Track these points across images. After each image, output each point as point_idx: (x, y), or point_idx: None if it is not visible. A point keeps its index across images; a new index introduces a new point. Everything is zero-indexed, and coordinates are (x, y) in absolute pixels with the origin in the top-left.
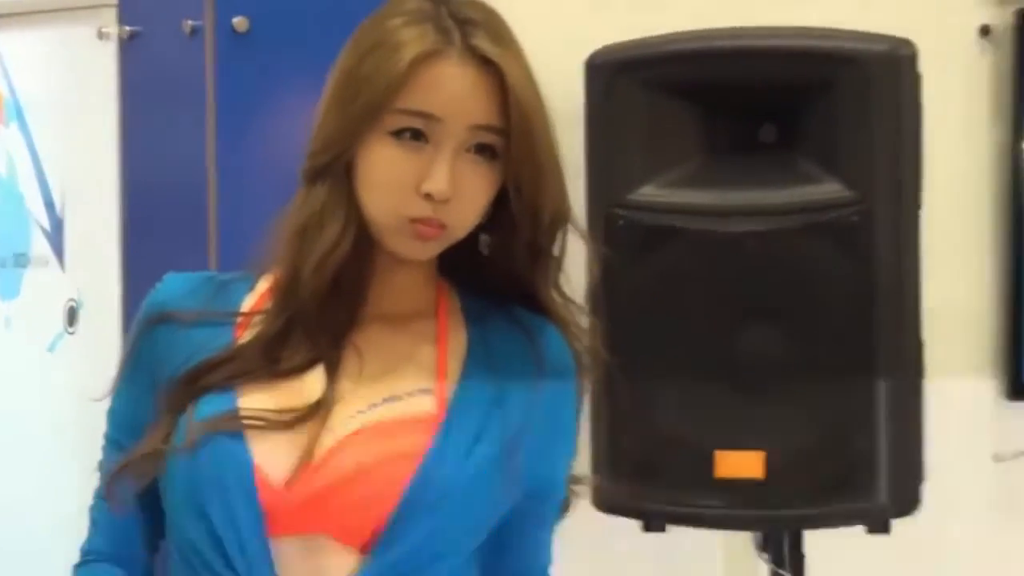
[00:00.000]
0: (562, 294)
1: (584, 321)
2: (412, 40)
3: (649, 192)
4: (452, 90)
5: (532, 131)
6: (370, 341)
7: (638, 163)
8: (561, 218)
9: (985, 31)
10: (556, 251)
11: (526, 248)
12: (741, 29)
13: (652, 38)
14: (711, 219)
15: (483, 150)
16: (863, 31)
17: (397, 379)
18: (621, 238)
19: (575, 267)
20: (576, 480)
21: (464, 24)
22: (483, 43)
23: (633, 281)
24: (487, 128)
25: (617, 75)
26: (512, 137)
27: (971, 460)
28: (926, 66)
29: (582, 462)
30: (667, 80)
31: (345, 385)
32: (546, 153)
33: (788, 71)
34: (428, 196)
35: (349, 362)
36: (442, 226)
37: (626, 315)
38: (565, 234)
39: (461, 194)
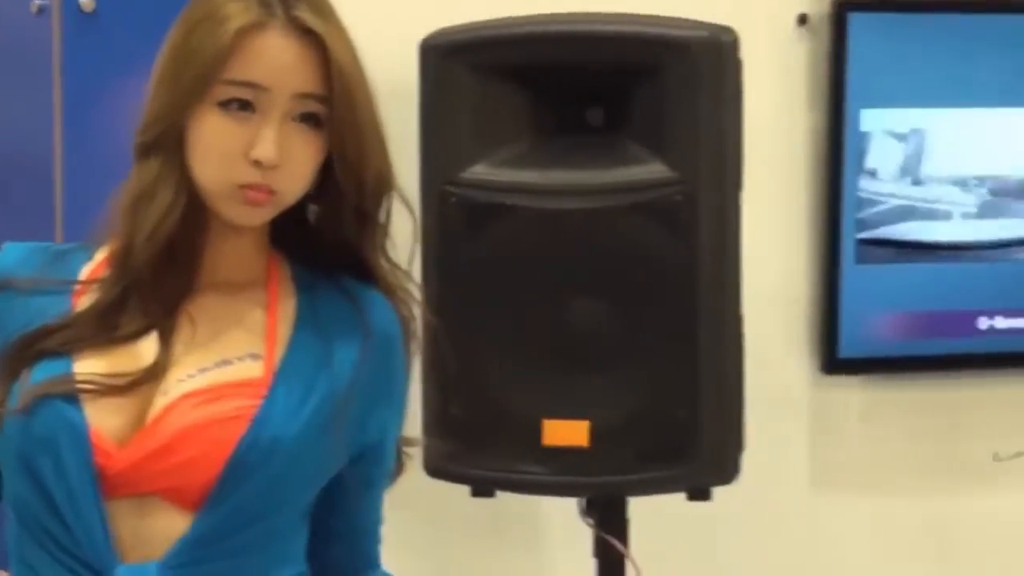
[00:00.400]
0: (389, 259)
1: (411, 286)
2: (236, 13)
3: (480, 171)
4: (276, 60)
5: (354, 98)
6: (203, 308)
7: (470, 142)
8: (384, 183)
9: (803, 20)
10: (382, 217)
11: (353, 214)
12: (570, 15)
13: (484, 22)
14: (540, 197)
15: (308, 119)
16: (687, 18)
17: (228, 345)
18: (454, 214)
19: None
20: (407, 442)
21: None
22: (305, 15)
23: (465, 255)
24: (311, 96)
25: (449, 57)
26: (335, 104)
27: (789, 431)
28: (747, 53)
29: (414, 426)
30: (498, 63)
31: (178, 350)
32: (368, 119)
33: (615, 56)
34: (257, 163)
35: (182, 329)
36: (271, 192)
37: (458, 288)
38: (390, 201)
39: (289, 160)
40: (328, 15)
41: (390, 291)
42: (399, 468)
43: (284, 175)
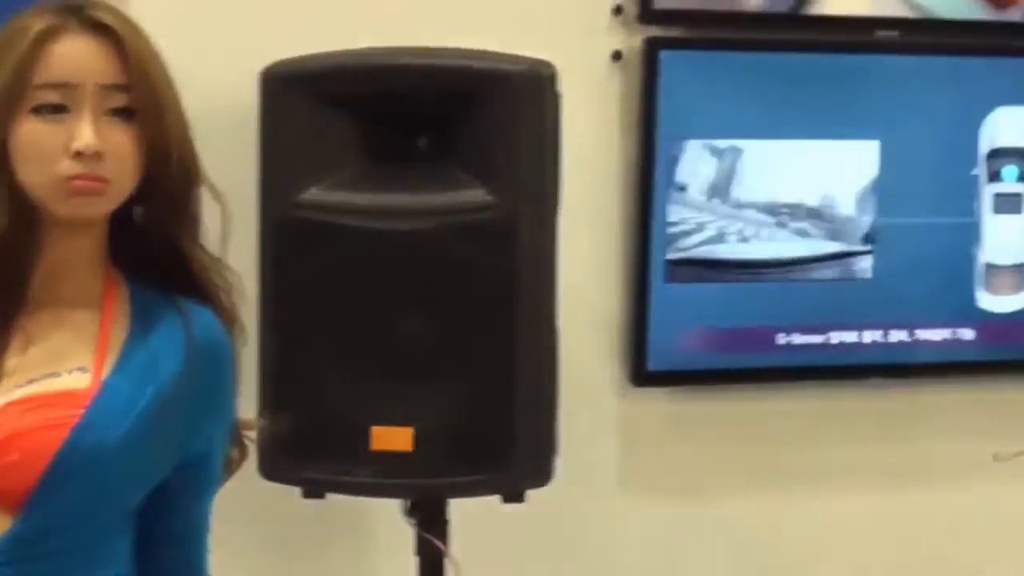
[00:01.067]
0: (205, 251)
1: (228, 274)
2: (34, 23)
3: (316, 193)
4: (76, 57)
5: (152, 85)
6: (39, 323)
7: (307, 167)
8: (189, 167)
9: (617, 56)
10: (194, 208)
11: (168, 205)
12: (401, 49)
13: (321, 54)
14: (370, 218)
15: (120, 113)
16: (509, 53)
17: (60, 358)
18: (291, 235)
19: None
20: (246, 425)
21: (82, 6)
22: (98, 13)
23: (301, 273)
24: (116, 87)
25: (287, 86)
26: (135, 90)
27: (599, 438)
28: (565, 86)
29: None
30: (334, 92)
31: (11, 363)
32: (168, 105)
33: (443, 87)
34: (79, 154)
35: (16, 342)
36: (101, 179)
37: (295, 304)
38: (199, 193)
39: (111, 150)
40: (120, 14)
41: (212, 292)
42: (242, 453)
43: (109, 164)
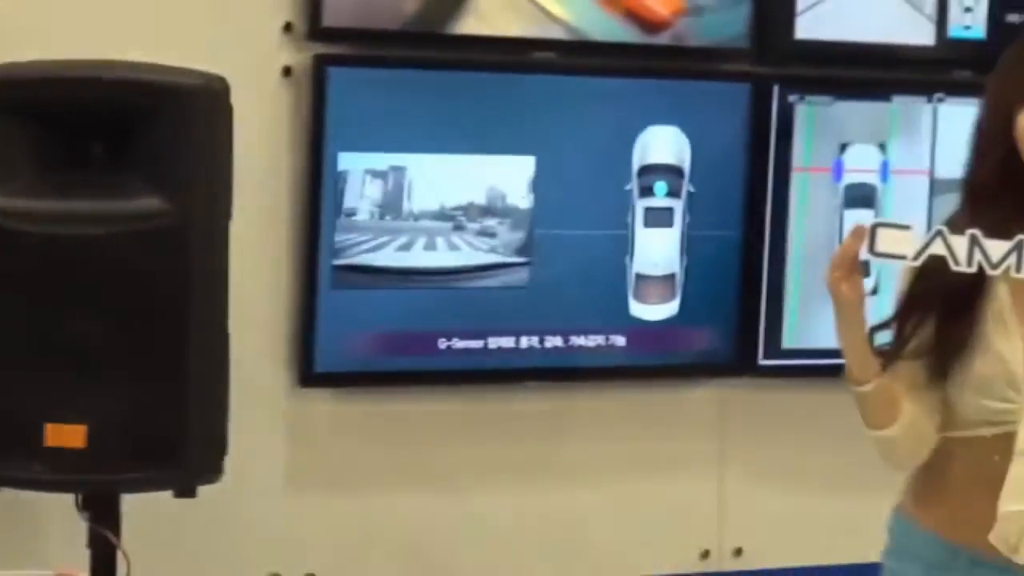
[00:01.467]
0: None
1: None
2: None
3: None
4: None
5: None
6: None
7: None
8: None
9: (287, 71)
10: None
11: None
12: (79, 61)
13: None
14: (45, 224)
15: None
16: (183, 67)
17: None
18: None
19: None
20: None
21: None
22: None
23: None
24: None
25: None
26: None
27: (267, 437)
28: (237, 100)
29: None
30: (6, 101)
31: None
32: None
33: (118, 99)
34: None
35: None
36: None
37: None
38: None
39: None
40: None
41: None
42: None
43: None
